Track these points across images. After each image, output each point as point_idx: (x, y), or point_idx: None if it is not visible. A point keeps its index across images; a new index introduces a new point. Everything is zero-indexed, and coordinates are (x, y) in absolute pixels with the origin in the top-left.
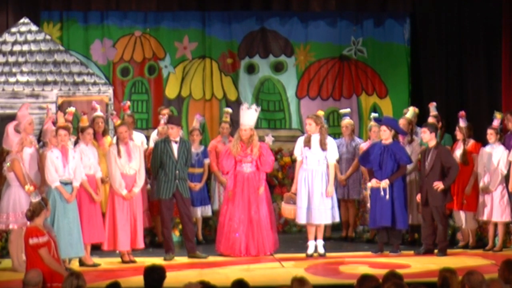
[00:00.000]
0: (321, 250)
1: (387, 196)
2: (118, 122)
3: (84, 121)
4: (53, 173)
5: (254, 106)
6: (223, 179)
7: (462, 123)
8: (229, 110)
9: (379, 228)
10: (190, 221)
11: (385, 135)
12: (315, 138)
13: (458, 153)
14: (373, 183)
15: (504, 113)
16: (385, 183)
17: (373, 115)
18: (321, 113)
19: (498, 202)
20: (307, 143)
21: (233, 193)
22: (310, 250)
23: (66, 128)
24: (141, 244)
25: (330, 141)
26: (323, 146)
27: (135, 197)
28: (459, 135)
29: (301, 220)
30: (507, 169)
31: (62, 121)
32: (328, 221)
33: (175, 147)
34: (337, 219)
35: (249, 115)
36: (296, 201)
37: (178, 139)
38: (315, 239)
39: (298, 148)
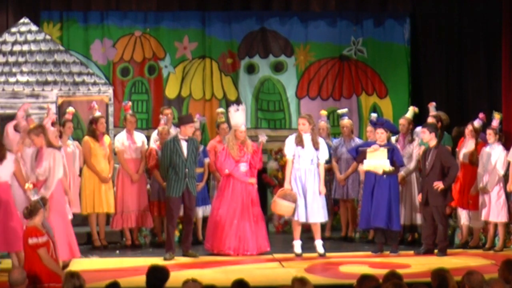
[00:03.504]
0: (320, 250)
1: (385, 176)
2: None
3: (30, 122)
4: None
5: (241, 106)
6: None
7: (477, 124)
8: (222, 110)
9: (374, 229)
10: (192, 220)
11: (382, 138)
12: (307, 137)
13: (464, 151)
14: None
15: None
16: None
17: (373, 115)
18: (323, 113)
19: (494, 202)
20: (300, 143)
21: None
22: (298, 249)
23: None
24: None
25: (321, 140)
26: (315, 145)
27: None
28: (469, 133)
29: (302, 218)
30: (504, 169)
31: None
32: (323, 219)
33: (184, 145)
34: (327, 218)
35: (241, 115)
36: (296, 199)
37: (187, 137)
38: (314, 239)
39: (290, 147)
